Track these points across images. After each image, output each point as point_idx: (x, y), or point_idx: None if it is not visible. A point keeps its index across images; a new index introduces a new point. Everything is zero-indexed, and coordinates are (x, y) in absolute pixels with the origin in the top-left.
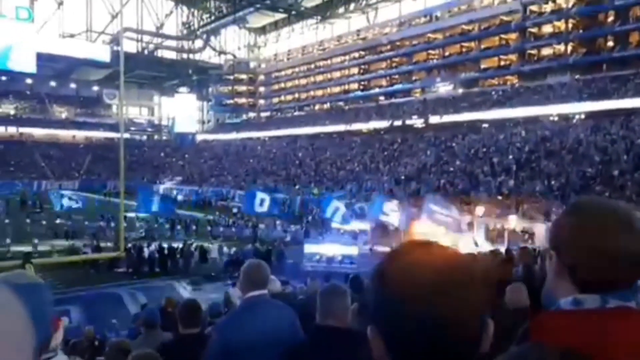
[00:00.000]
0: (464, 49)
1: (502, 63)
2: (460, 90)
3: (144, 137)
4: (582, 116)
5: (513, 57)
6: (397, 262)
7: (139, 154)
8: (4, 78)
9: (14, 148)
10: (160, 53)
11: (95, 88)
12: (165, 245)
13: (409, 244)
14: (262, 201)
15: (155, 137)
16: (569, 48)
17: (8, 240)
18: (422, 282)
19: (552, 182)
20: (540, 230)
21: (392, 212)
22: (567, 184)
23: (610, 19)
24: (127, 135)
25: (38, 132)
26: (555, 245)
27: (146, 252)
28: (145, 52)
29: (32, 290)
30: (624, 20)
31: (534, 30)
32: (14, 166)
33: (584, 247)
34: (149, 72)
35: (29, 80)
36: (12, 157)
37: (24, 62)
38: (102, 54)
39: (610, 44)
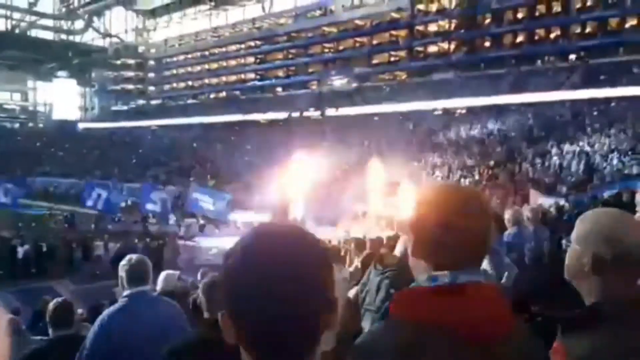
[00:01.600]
0: (357, 44)
1: (392, 59)
2: (354, 84)
3: (16, 125)
4: (464, 111)
5: (402, 53)
6: (239, 245)
7: (10, 143)
8: None
9: None
10: (35, 33)
11: None
12: (42, 243)
13: (262, 227)
14: (99, 196)
15: (30, 124)
16: (452, 47)
17: None
18: (266, 261)
19: (437, 173)
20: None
21: None
22: (449, 174)
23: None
24: None
25: None
26: (411, 225)
27: (20, 251)
28: (17, 30)
29: None
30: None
31: (421, 28)
32: None
33: (434, 227)
34: (22, 53)
35: None
36: None
37: None
38: None
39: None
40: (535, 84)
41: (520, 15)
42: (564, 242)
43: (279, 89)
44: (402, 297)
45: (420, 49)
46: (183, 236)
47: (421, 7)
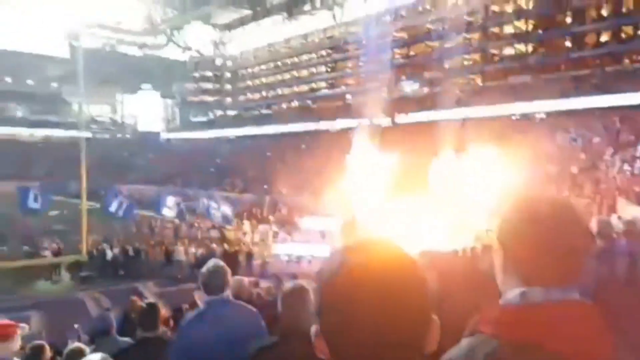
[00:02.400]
0: (428, 49)
1: (466, 63)
2: (426, 90)
3: (106, 136)
4: (543, 115)
5: (476, 56)
6: (340, 263)
7: (100, 153)
8: None
9: None
10: (122, 49)
11: (55, 85)
12: (129, 247)
13: (355, 245)
14: (121, 204)
15: (118, 135)
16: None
17: None
18: (365, 285)
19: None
20: None
21: None
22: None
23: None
24: (88, 134)
25: None
26: (501, 240)
27: (109, 254)
28: (107, 48)
29: None
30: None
31: (496, 30)
32: None
33: (528, 243)
34: (111, 69)
35: None
36: None
37: None
38: (61, 50)
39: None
40: (621, 86)
41: (604, 13)
42: None
43: (349, 97)
44: (492, 313)
45: (495, 51)
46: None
47: (495, 8)
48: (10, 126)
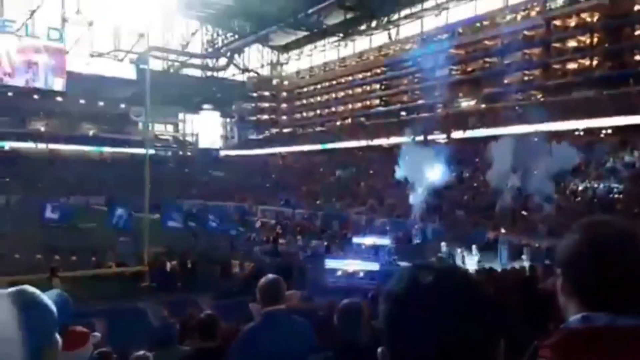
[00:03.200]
0: (486, 64)
1: (526, 78)
2: (483, 106)
3: (169, 153)
4: (609, 131)
5: (537, 72)
6: (401, 283)
7: (163, 169)
8: (35, 97)
9: (43, 165)
10: (185, 71)
11: (123, 106)
12: (187, 260)
13: (424, 264)
14: (120, 217)
15: (180, 153)
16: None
17: (39, 256)
18: (436, 305)
19: (578, 198)
20: None
21: None
22: (592, 199)
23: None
24: (152, 152)
25: (67, 148)
26: (562, 264)
27: (168, 266)
28: (171, 70)
29: (34, 303)
30: None
31: (558, 45)
32: (42, 182)
33: (591, 268)
34: (175, 89)
35: (59, 99)
36: (42, 174)
37: (55, 81)
38: (129, 72)
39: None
40: None
41: None
42: None
43: (404, 113)
44: (555, 338)
45: (557, 66)
46: (310, 256)
47: (557, 22)
48: (82, 144)
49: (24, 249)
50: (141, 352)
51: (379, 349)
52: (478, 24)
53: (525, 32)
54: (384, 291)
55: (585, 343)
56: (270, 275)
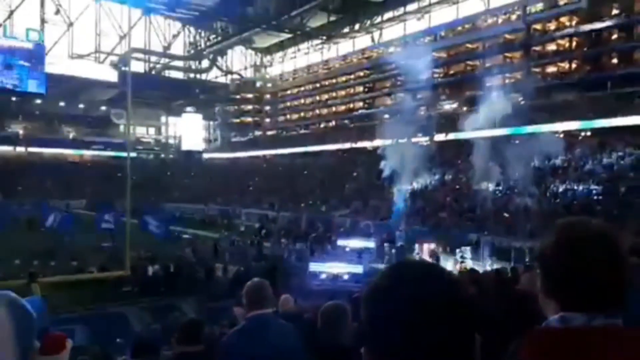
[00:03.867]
0: (468, 67)
1: (507, 81)
2: (465, 109)
3: (151, 156)
4: (588, 133)
5: (518, 75)
6: (389, 281)
7: (145, 172)
8: (14, 98)
9: (22, 168)
10: (167, 73)
11: (104, 108)
12: (170, 264)
13: (405, 262)
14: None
15: (162, 155)
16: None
17: (17, 261)
18: (422, 302)
19: (557, 200)
20: None
21: None
22: (572, 201)
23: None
24: (134, 155)
25: (46, 152)
26: (541, 263)
27: (150, 270)
28: (153, 72)
29: (16, 306)
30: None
31: (538, 48)
32: (21, 186)
33: (567, 268)
34: (157, 92)
35: (38, 101)
36: (20, 177)
37: (34, 83)
38: (110, 74)
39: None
40: None
41: None
42: None
43: (387, 116)
44: (533, 338)
45: (537, 69)
46: (294, 259)
47: (538, 27)
48: (62, 147)
49: (2, 254)
50: (123, 358)
51: (362, 350)
52: (460, 27)
53: (506, 36)
54: (367, 288)
55: (562, 344)
56: (256, 279)
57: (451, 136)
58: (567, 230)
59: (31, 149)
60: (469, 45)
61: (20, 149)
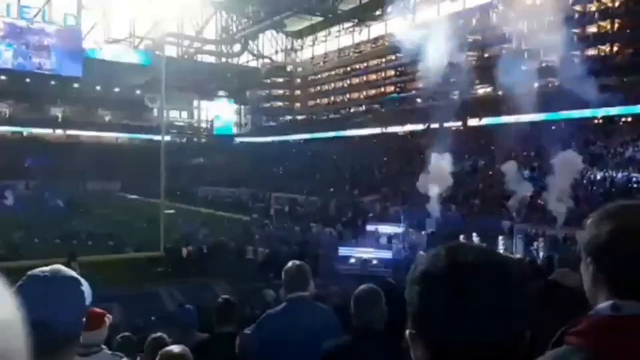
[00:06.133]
0: (503, 50)
1: (544, 65)
2: (500, 93)
3: (184, 140)
4: (628, 119)
5: (555, 58)
6: (438, 263)
7: (178, 156)
8: (53, 83)
9: (61, 150)
10: (200, 57)
11: (138, 92)
12: (203, 245)
13: (456, 246)
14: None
15: (195, 139)
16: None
17: (57, 240)
18: (475, 286)
19: (594, 188)
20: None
21: None
22: (610, 189)
23: None
24: (167, 138)
25: (84, 134)
26: (590, 250)
27: (184, 252)
28: (186, 56)
29: (64, 284)
30: None
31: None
32: (62, 168)
33: (622, 254)
34: (189, 76)
35: (75, 85)
36: (60, 159)
37: (72, 68)
38: (145, 58)
39: None
40: None
41: None
42: None
43: (419, 100)
44: (582, 325)
45: (576, 52)
46: (321, 244)
47: (578, 7)
48: (98, 130)
49: (44, 234)
50: (158, 334)
51: (407, 332)
52: (495, 9)
53: (544, 17)
54: (416, 271)
55: (613, 331)
56: (296, 261)
57: (485, 121)
58: (625, 214)
59: (69, 132)
60: (505, 27)
61: (59, 132)
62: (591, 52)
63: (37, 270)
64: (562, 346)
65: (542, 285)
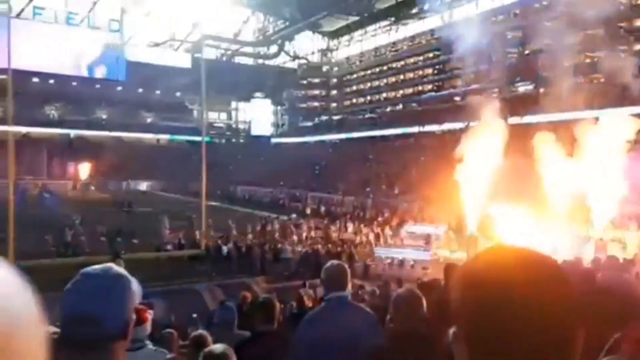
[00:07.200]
0: (545, 46)
1: (588, 61)
2: (542, 90)
3: (222, 141)
4: None
5: (600, 53)
6: (485, 262)
7: (217, 156)
8: (97, 86)
9: (105, 150)
10: (237, 59)
11: (178, 94)
12: (242, 244)
13: (497, 246)
14: None
15: (233, 140)
16: None
17: (103, 239)
18: (513, 282)
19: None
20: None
21: None
22: None
23: None
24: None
25: (126, 136)
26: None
27: (224, 250)
28: (224, 58)
29: (116, 282)
30: None
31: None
32: (107, 168)
33: None
34: (227, 78)
35: (119, 88)
36: (105, 159)
37: (116, 71)
38: (185, 61)
39: None
40: None
41: None
42: None
43: (457, 98)
44: (638, 331)
45: (623, 47)
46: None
47: (624, 0)
48: (139, 132)
49: (89, 232)
50: (199, 332)
51: (451, 331)
52: (537, 4)
53: (588, 11)
54: (460, 270)
55: None
56: (335, 262)
57: (527, 119)
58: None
59: (113, 133)
60: (546, 23)
61: (104, 133)
62: (638, 46)
63: (89, 268)
64: (617, 353)
65: (589, 289)
